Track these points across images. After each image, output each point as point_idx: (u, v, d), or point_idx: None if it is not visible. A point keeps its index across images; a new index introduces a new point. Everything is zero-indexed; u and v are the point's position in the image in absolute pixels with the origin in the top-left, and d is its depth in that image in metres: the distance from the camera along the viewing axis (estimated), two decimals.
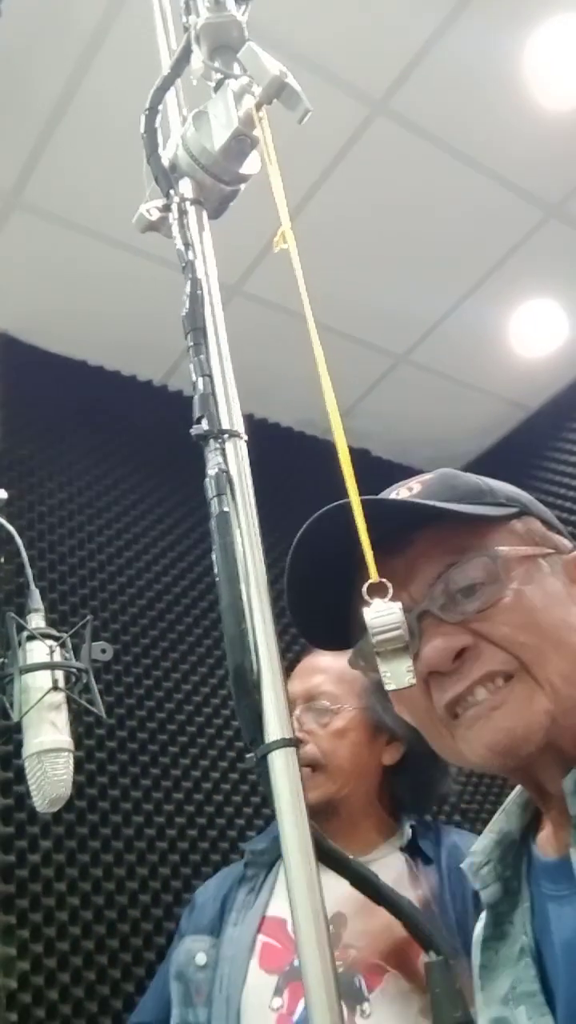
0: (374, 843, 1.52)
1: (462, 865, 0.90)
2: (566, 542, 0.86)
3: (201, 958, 1.43)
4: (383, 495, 0.87)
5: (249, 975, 1.38)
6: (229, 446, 0.75)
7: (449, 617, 0.76)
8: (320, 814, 1.52)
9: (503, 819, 0.88)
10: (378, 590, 0.67)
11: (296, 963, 1.35)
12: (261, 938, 1.43)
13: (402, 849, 1.49)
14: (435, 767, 1.52)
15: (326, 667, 1.60)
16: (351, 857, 0.74)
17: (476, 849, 0.86)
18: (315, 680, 1.58)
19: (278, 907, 1.47)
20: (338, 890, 1.52)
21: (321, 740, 1.53)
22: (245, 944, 1.42)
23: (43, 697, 1.05)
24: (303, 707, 1.57)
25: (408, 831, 1.50)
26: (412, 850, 1.48)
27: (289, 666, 2.59)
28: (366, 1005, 1.35)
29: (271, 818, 1.30)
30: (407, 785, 1.55)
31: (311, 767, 1.52)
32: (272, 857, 1.56)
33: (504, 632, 0.74)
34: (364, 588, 0.67)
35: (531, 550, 0.81)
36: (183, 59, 0.96)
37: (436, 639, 0.75)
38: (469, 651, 0.75)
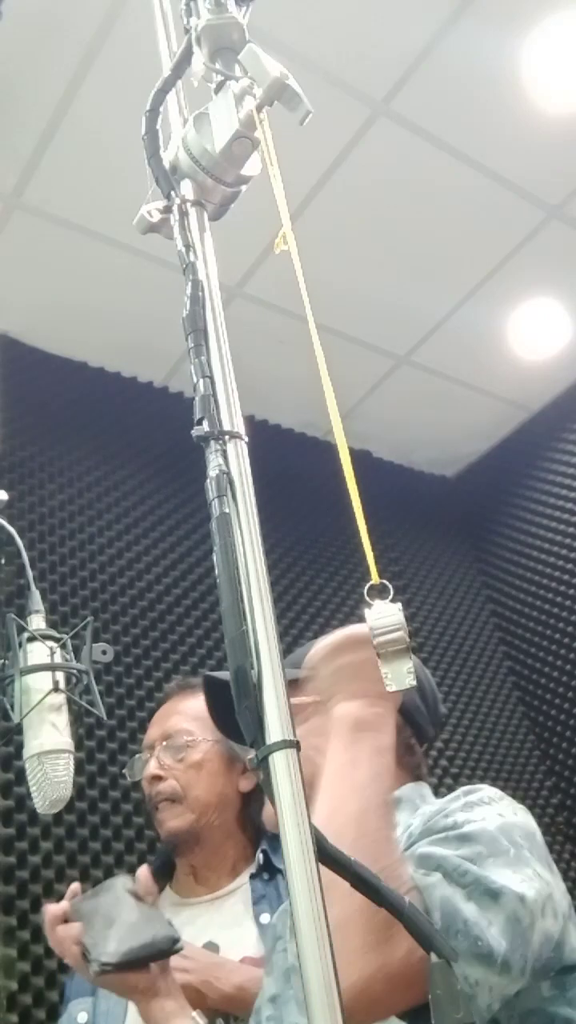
0: (239, 869, 1.60)
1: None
2: None
3: (82, 1016, 1.47)
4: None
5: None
6: (230, 447, 0.74)
7: None
8: (184, 843, 1.61)
9: None
10: (379, 591, 0.67)
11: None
12: None
13: (252, 876, 1.57)
14: None
15: (181, 709, 1.68)
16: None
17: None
18: (171, 721, 1.67)
19: None
20: (211, 923, 1.55)
21: (178, 774, 1.61)
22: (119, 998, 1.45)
23: (44, 698, 1.05)
24: (160, 747, 1.65)
25: (259, 856, 1.59)
26: (270, 871, 1.57)
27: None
28: None
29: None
30: (263, 810, 1.59)
31: (171, 800, 1.60)
32: None
33: None
34: (365, 589, 0.67)
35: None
36: (184, 61, 0.96)
37: None
38: None
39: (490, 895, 0.82)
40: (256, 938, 1.47)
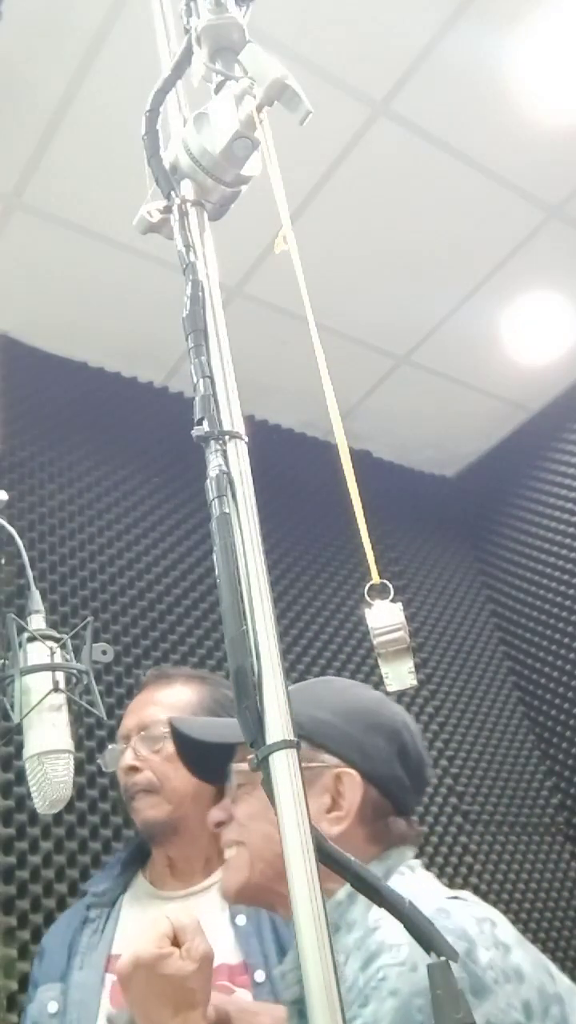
0: (213, 865, 1.57)
1: (275, 972, 1.12)
2: (331, 758, 1.11)
3: (52, 1006, 1.44)
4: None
5: (100, 1016, 1.39)
6: (230, 447, 0.75)
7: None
8: (160, 834, 1.60)
9: None
10: (379, 591, 0.67)
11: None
12: (109, 977, 1.44)
13: None
14: None
15: (158, 699, 1.67)
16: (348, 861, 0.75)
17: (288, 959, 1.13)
18: (148, 711, 1.65)
19: (125, 943, 1.47)
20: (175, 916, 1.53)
21: (155, 765, 1.60)
22: (94, 986, 1.43)
23: (44, 699, 1.05)
24: (137, 738, 1.63)
25: None
26: None
27: (290, 667, 2.60)
28: None
29: None
30: None
31: (148, 791, 1.59)
32: (115, 895, 1.61)
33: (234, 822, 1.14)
34: (365, 589, 0.67)
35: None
36: (184, 61, 0.96)
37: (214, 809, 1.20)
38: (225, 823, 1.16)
39: None
40: (233, 942, 1.43)
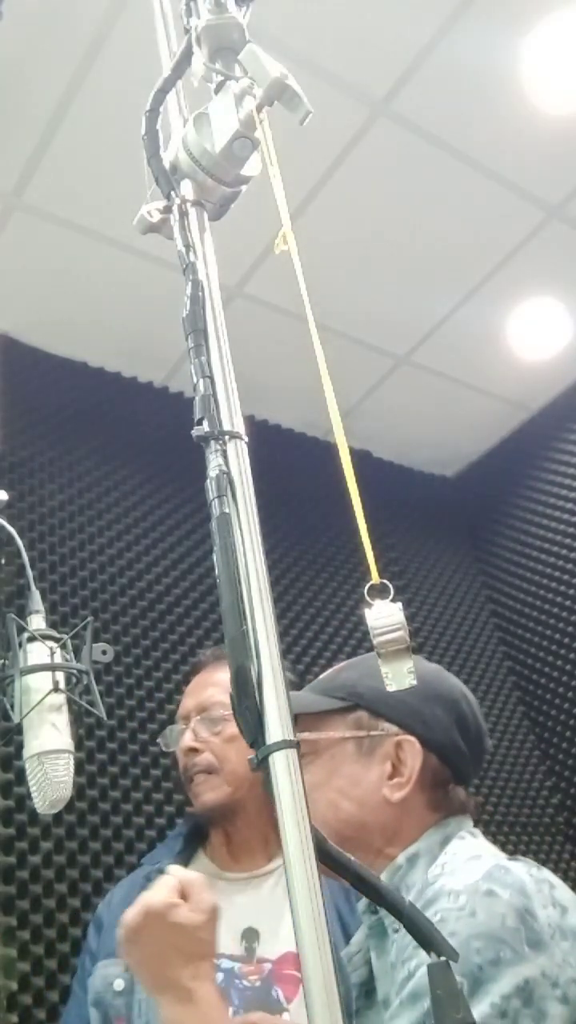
0: (274, 849, 1.58)
1: (342, 955, 1.13)
2: (391, 726, 1.15)
3: (119, 983, 1.43)
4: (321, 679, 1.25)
5: None
6: (230, 447, 0.75)
7: None
8: (220, 817, 1.60)
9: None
10: (379, 591, 0.67)
11: (220, 977, 1.36)
12: None
13: None
14: None
15: (217, 680, 1.67)
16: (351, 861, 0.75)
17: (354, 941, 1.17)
18: (207, 693, 1.66)
19: None
20: (250, 906, 1.52)
21: (215, 747, 1.61)
22: None
23: (44, 699, 1.05)
24: (197, 720, 1.64)
25: None
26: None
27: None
28: (286, 1015, 1.37)
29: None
30: None
31: (207, 772, 1.59)
32: None
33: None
34: (365, 589, 0.68)
35: (347, 734, 1.15)
36: (184, 61, 0.96)
37: None
38: None
39: None
40: None
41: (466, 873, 0.98)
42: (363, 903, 1.11)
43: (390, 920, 1.05)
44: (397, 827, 1.11)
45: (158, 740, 1.88)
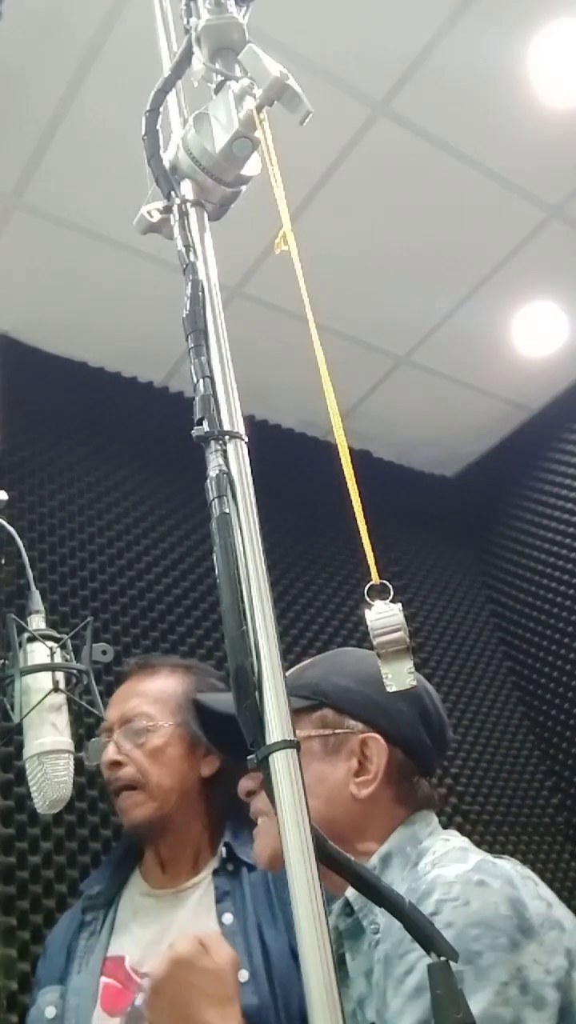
0: (201, 862, 1.55)
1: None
2: (356, 723, 1.16)
3: (50, 1011, 1.42)
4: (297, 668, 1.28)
5: (95, 1021, 1.38)
6: (230, 447, 0.75)
7: None
8: (150, 834, 1.55)
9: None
10: (379, 592, 0.67)
11: (137, 1002, 1.35)
12: (103, 980, 1.43)
13: (215, 872, 1.51)
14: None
15: (141, 690, 1.63)
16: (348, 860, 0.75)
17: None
18: (131, 703, 1.61)
19: (118, 945, 1.47)
20: (177, 921, 1.50)
21: (138, 760, 1.55)
22: (89, 990, 1.41)
23: (44, 698, 1.05)
24: (119, 731, 1.59)
25: (222, 850, 1.53)
26: (235, 863, 1.51)
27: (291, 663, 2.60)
28: None
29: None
30: (225, 794, 1.52)
31: (131, 787, 1.54)
32: (109, 896, 1.57)
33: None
34: (365, 589, 0.68)
35: (313, 733, 1.17)
36: (184, 61, 0.96)
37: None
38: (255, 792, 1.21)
39: None
40: None
41: (457, 864, 1.01)
42: (337, 906, 1.11)
43: (368, 920, 1.06)
44: (365, 823, 1.13)
45: (80, 753, 1.85)
